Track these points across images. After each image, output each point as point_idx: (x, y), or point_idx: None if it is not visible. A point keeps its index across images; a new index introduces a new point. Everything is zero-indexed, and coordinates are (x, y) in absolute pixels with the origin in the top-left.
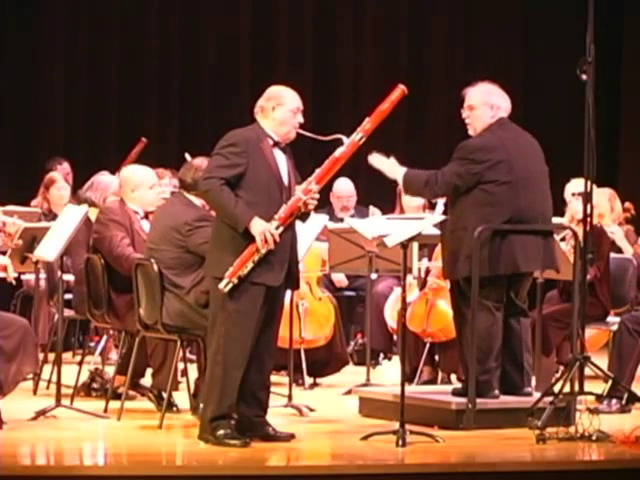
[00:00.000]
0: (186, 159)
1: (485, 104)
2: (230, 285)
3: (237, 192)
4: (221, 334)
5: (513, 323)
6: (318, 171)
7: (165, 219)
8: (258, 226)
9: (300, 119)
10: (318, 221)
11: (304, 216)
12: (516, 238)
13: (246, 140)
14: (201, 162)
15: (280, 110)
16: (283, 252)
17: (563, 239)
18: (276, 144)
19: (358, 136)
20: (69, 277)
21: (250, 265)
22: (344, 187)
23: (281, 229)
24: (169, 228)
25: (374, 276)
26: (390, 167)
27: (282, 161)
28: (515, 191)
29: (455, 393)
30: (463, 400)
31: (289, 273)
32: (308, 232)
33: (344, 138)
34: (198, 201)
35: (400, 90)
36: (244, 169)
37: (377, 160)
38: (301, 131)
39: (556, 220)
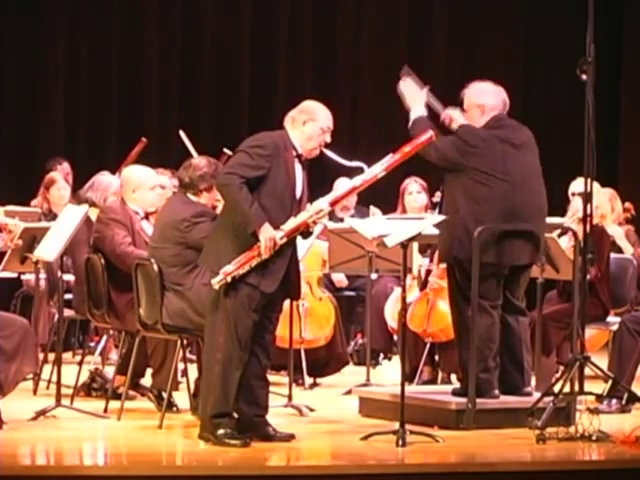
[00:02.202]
0: (181, 136)
1: (473, 106)
2: (222, 282)
3: (251, 194)
4: (220, 332)
5: (512, 322)
6: (333, 195)
7: (165, 217)
8: (266, 232)
9: (327, 139)
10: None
11: (306, 234)
12: (508, 234)
13: (274, 145)
14: (199, 161)
15: (311, 125)
16: (282, 262)
17: (564, 233)
18: (298, 156)
19: (378, 170)
20: (69, 277)
21: (247, 268)
22: (344, 187)
23: (285, 240)
24: (168, 226)
25: (374, 276)
26: (414, 98)
27: (299, 174)
28: (507, 185)
29: (455, 393)
30: (463, 400)
31: (289, 283)
32: (300, 246)
33: (365, 167)
34: (198, 200)
35: (429, 135)
36: (266, 173)
37: (406, 85)
38: (326, 151)
39: (556, 220)
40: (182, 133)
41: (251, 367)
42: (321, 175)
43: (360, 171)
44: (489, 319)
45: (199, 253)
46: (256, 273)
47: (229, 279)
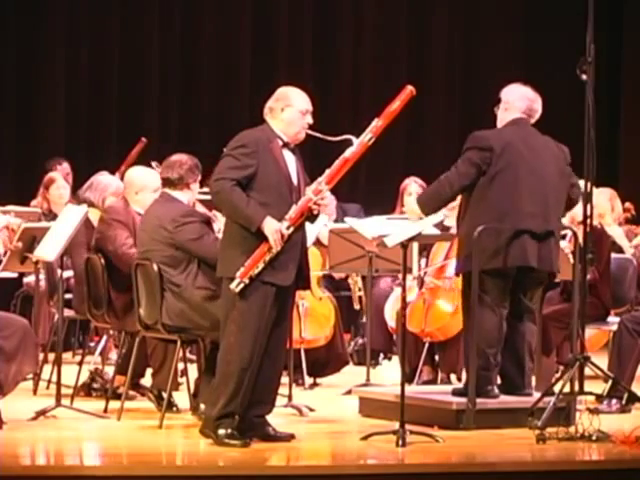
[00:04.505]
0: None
1: (502, 101)
2: (242, 285)
3: (248, 193)
4: (231, 333)
5: (519, 324)
6: (328, 172)
7: (152, 220)
8: (270, 226)
9: (309, 120)
10: (318, 221)
11: (312, 217)
12: (524, 234)
13: (256, 141)
14: (180, 157)
15: (289, 111)
16: (294, 252)
17: (563, 237)
18: (285, 145)
19: (367, 137)
20: (69, 273)
21: (261, 265)
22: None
23: (292, 229)
24: (157, 227)
25: None
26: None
27: (291, 162)
28: (515, 186)
29: (455, 393)
30: (463, 400)
31: (299, 273)
32: (308, 233)
33: (353, 139)
34: (184, 196)
35: (409, 91)
36: (255, 170)
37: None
38: (310, 132)
39: None
40: (154, 164)
41: (263, 366)
42: (313, 158)
43: (349, 143)
44: (494, 318)
45: (187, 254)
46: (271, 269)
47: (246, 280)
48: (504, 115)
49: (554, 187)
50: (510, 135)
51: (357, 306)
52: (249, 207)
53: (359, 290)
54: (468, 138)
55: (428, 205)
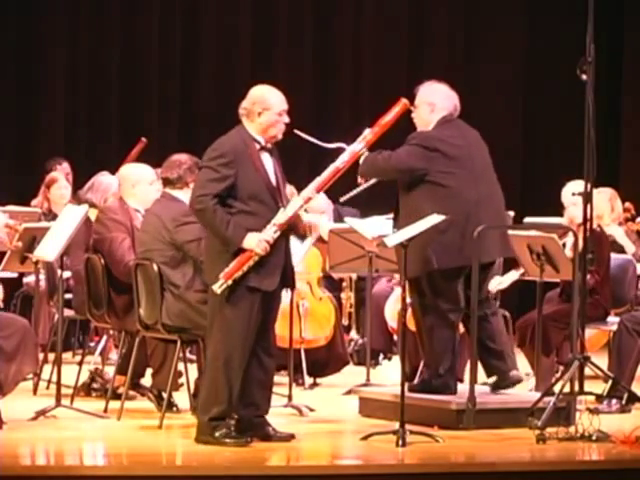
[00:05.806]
0: None
1: (424, 103)
2: (224, 286)
3: (231, 202)
4: (218, 340)
5: (479, 316)
6: (318, 179)
7: (154, 220)
8: (251, 241)
9: (286, 119)
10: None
11: (301, 237)
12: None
13: (233, 149)
14: (180, 157)
15: (266, 115)
16: (278, 257)
17: (563, 245)
18: (262, 147)
19: (359, 146)
20: (69, 273)
21: (245, 268)
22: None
23: (278, 234)
24: (159, 227)
25: None
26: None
27: (269, 164)
28: (469, 182)
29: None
30: (463, 400)
31: (284, 275)
32: (297, 252)
33: (345, 147)
34: (185, 195)
35: (402, 104)
36: (234, 179)
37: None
38: (306, 136)
39: (556, 220)
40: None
41: (251, 368)
42: (302, 160)
43: (341, 151)
44: (450, 332)
45: (185, 254)
46: (255, 274)
47: (230, 282)
48: (431, 116)
49: (493, 174)
50: (455, 134)
51: (346, 322)
52: (228, 230)
53: (350, 307)
54: (415, 135)
55: (364, 167)
